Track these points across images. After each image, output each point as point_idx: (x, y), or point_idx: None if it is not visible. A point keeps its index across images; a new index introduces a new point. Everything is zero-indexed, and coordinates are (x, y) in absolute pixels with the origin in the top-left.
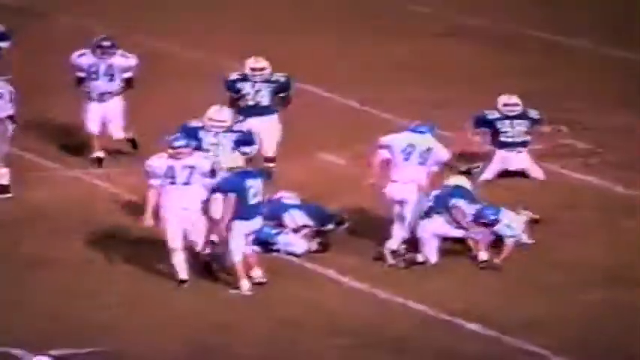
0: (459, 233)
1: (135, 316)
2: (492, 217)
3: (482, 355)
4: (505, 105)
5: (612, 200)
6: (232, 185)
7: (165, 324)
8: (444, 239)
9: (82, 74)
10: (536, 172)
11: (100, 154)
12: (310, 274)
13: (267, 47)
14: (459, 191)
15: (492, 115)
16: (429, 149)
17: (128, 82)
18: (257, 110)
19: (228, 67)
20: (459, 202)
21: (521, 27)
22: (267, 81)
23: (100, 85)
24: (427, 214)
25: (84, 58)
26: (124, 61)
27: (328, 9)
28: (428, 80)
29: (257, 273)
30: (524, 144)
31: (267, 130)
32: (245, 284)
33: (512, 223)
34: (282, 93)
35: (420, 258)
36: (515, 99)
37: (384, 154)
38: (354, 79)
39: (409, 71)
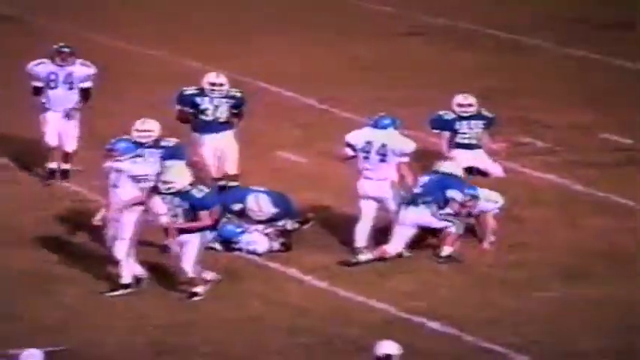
0: (440, 225)
1: (97, 315)
2: (474, 193)
3: (443, 353)
4: (459, 105)
5: (572, 198)
6: (214, 202)
7: (126, 323)
8: (421, 231)
9: (39, 84)
10: (496, 170)
11: (54, 165)
12: (272, 273)
13: (229, 46)
14: (452, 181)
15: (448, 116)
16: (384, 145)
17: (85, 92)
18: (216, 126)
19: (190, 67)
20: (455, 194)
21: (482, 26)
22: (226, 97)
23: (59, 94)
24: (414, 202)
25: (41, 66)
26: (84, 69)
27: (291, 8)
28: (389, 79)
29: (210, 274)
30: (479, 145)
31: (227, 147)
32: (202, 289)
33: (490, 196)
34: (236, 109)
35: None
36: (470, 99)
37: (348, 151)
38: (315, 78)
39: (370, 70)
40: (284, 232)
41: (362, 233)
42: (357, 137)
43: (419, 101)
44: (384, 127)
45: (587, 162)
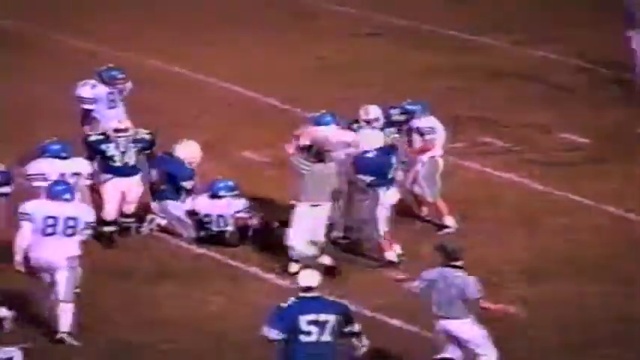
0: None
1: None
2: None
3: (405, 350)
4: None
5: (531, 197)
6: None
7: (90, 322)
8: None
9: (90, 107)
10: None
11: None
12: (235, 272)
13: (191, 46)
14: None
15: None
16: None
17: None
18: (125, 171)
19: (152, 66)
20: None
21: (442, 27)
22: (133, 141)
23: (113, 113)
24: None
25: (91, 87)
26: (128, 86)
27: (255, 8)
28: (351, 79)
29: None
30: None
31: (133, 190)
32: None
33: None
34: (146, 150)
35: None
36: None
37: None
38: (277, 79)
39: (333, 70)
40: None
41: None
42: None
43: (381, 100)
44: (327, 124)
45: (545, 161)
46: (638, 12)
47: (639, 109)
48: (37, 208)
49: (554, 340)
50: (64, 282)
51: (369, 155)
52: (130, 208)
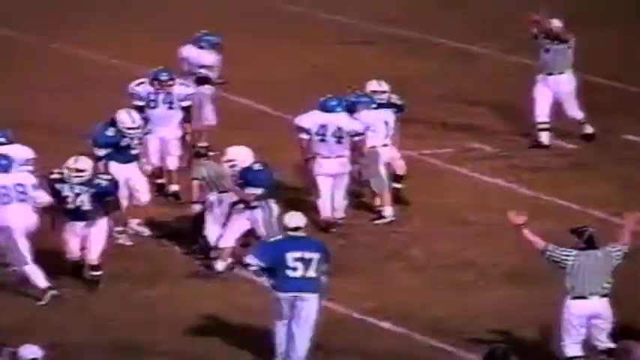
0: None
1: (55, 317)
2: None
3: (394, 352)
4: (373, 92)
5: (518, 202)
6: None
7: (85, 324)
8: None
9: (140, 103)
10: (400, 166)
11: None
12: (225, 274)
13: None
14: None
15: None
16: (339, 128)
17: (186, 111)
18: (79, 214)
19: (137, 71)
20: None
21: (430, 34)
22: (87, 184)
23: (159, 113)
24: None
25: (141, 86)
26: (183, 89)
27: (245, 14)
28: (343, 87)
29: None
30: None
31: (92, 236)
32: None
33: None
34: (104, 198)
35: None
36: (384, 86)
37: (304, 136)
38: (269, 86)
39: (325, 77)
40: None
41: (326, 205)
42: (309, 121)
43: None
44: (333, 110)
45: (532, 166)
46: (545, 54)
47: (625, 116)
48: None
49: (537, 341)
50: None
51: (255, 168)
52: (93, 258)
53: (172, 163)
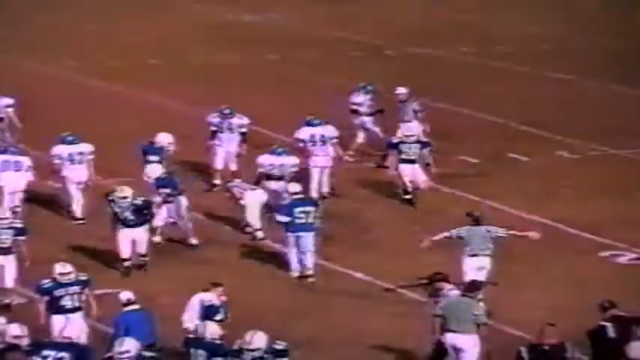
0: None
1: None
2: None
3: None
4: (406, 136)
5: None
6: None
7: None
8: None
9: (214, 128)
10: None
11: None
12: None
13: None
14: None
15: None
16: (322, 135)
17: (243, 135)
18: (69, 310)
19: (174, 109)
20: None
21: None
22: (76, 283)
23: (224, 136)
24: None
25: (215, 117)
26: (239, 121)
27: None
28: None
29: None
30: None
31: (72, 327)
32: None
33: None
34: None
35: None
36: (414, 130)
37: (300, 144)
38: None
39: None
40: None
41: (315, 188)
42: (303, 134)
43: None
44: (319, 125)
45: (455, 174)
46: (403, 114)
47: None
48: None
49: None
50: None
51: (163, 176)
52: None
53: (233, 166)
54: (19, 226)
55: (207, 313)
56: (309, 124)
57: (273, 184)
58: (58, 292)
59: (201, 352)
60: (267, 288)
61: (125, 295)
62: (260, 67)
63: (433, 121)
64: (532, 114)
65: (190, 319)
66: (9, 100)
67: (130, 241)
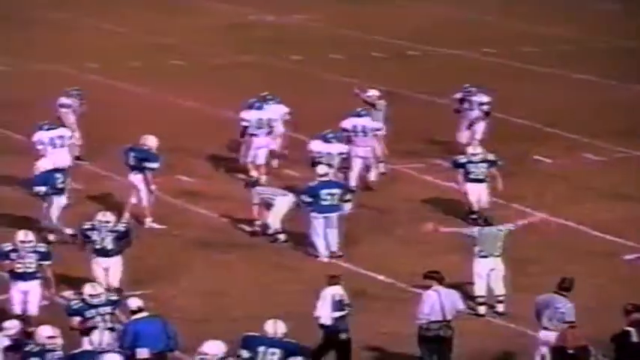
0: None
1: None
2: None
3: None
4: (472, 154)
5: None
6: None
7: None
8: None
9: (247, 124)
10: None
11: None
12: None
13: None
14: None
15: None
16: (364, 127)
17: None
18: (103, 304)
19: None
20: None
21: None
22: (109, 303)
23: (259, 132)
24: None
25: (249, 112)
26: (272, 113)
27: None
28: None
29: None
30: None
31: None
32: None
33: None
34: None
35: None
36: (478, 149)
37: (344, 133)
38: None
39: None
40: None
41: (355, 177)
42: (347, 123)
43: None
44: (365, 116)
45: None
46: (374, 117)
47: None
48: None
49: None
50: None
51: (46, 172)
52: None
53: (261, 160)
54: (43, 250)
55: (338, 306)
56: (356, 114)
57: (321, 170)
58: (89, 314)
59: (273, 350)
60: (286, 290)
61: (135, 302)
62: (283, 67)
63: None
64: (556, 115)
65: (326, 315)
66: (67, 101)
67: (104, 269)
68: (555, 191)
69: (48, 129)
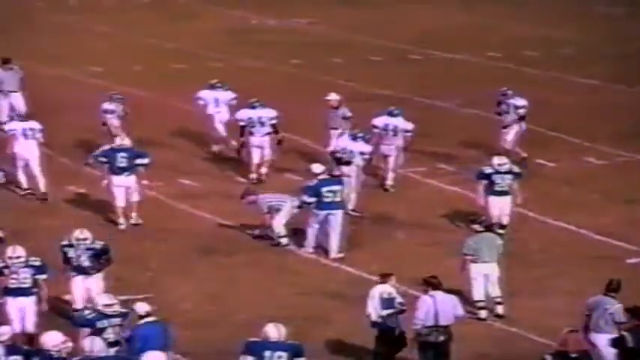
0: None
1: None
2: None
3: None
4: (499, 165)
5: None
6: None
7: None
8: None
9: (243, 123)
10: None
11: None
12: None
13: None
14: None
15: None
16: (396, 127)
17: (274, 127)
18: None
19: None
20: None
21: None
22: (119, 315)
23: (257, 129)
24: None
25: (243, 112)
26: (267, 112)
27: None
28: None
29: None
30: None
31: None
32: None
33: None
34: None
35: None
36: (504, 159)
37: (375, 130)
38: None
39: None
40: None
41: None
42: (379, 121)
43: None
44: (398, 115)
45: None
46: (332, 121)
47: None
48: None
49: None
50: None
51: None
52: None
53: (264, 156)
54: (37, 264)
55: (387, 304)
56: (389, 113)
57: (344, 169)
58: (100, 324)
59: (280, 353)
60: (289, 293)
61: (142, 307)
62: (284, 71)
63: (459, 127)
64: (559, 119)
65: (375, 312)
66: (110, 106)
67: (84, 289)
68: (558, 195)
69: (21, 120)
